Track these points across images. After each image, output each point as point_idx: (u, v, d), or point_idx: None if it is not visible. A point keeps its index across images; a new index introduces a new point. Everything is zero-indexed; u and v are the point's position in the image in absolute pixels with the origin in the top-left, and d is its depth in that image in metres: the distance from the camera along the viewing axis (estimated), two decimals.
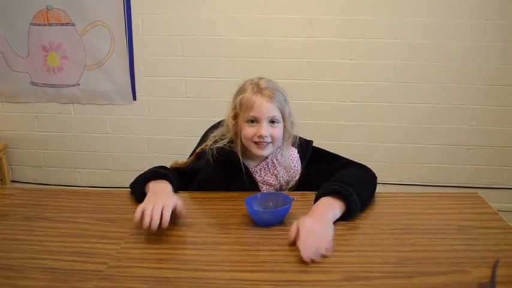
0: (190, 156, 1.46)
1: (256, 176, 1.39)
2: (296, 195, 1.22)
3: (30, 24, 2.68)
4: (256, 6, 2.56)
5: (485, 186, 2.74)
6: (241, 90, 1.34)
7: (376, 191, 1.30)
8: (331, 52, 2.60)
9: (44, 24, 2.67)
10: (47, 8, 2.64)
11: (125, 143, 2.89)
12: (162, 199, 1.11)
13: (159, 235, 1.09)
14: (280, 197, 1.20)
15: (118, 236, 1.08)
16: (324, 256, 0.97)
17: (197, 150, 1.43)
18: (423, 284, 0.88)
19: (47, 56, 2.74)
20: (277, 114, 1.31)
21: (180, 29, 2.64)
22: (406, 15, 2.50)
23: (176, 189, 1.28)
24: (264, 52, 2.63)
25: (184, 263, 0.97)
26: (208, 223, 1.18)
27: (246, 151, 1.36)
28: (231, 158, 1.35)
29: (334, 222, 1.11)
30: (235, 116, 1.34)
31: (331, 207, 1.14)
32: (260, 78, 1.35)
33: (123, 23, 2.64)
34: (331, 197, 1.16)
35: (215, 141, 1.37)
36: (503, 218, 1.15)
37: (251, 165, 1.39)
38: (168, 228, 1.10)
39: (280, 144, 1.37)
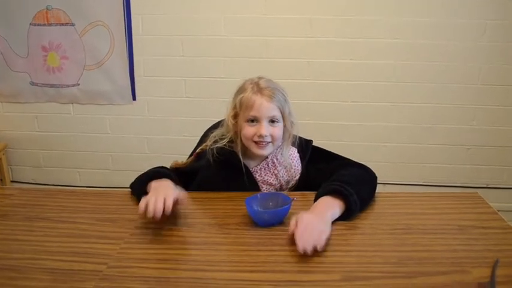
0: (190, 156, 1.46)
1: (257, 176, 1.39)
2: (296, 195, 1.22)
3: (30, 24, 2.68)
4: (256, 6, 2.56)
5: (485, 186, 2.74)
6: (241, 90, 1.34)
7: (377, 191, 1.30)
8: (331, 52, 2.60)
9: (44, 24, 2.67)
10: (47, 8, 2.64)
11: (125, 143, 2.89)
12: (164, 191, 1.13)
13: (159, 235, 1.10)
14: (280, 197, 1.20)
15: (118, 236, 1.08)
16: (317, 251, 0.97)
17: (197, 151, 1.43)
18: (423, 284, 0.88)
19: (46, 56, 2.74)
20: (277, 113, 1.31)
21: (180, 29, 2.64)
22: (406, 15, 2.50)
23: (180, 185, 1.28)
24: (264, 52, 2.63)
25: (184, 263, 0.97)
26: (208, 223, 1.18)
27: (246, 151, 1.36)
28: (231, 157, 1.35)
29: (334, 222, 1.11)
30: (235, 116, 1.35)
31: (330, 206, 1.14)
32: (260, 78, 1.35)
33: (123, 23, 2.64)
34: (331, 197, 1.16)
35: (215, 141, 1.37)
36: (503, 217, 1.15)
37: (251, 164, 1.39)
38: (168, 229, 1.10)
39: (280, 143, 1.37)
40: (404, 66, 2.59)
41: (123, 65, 2.72)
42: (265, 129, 1.29)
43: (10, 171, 2.99)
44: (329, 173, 1.30)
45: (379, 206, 1.25)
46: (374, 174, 1.32)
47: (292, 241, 1.02)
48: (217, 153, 1.34)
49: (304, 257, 0.98)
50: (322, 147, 1.46)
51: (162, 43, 2.67)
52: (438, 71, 2.58)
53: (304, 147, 1.42)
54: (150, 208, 1.07)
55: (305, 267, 0.95)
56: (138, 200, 1.27)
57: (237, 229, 1.12)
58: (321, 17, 2.55)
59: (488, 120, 2.64)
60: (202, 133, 1.54)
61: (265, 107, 1.29)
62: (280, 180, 1.40)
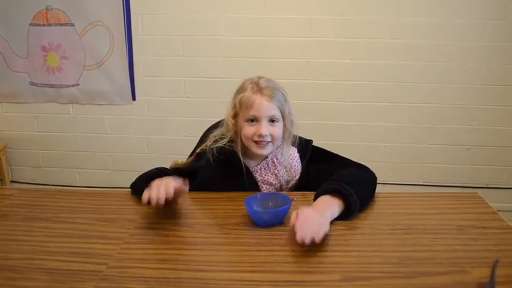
0: (190, 156, 1.46)
1: (257, 176, 1.39)
2: (296, 195, 1.22)
3: (30, 24, 2.68)
4: (255, 7, 2.56)
5: (485, 186, 2.74)
6: (241, 89, 1.34)
7: (376, 191, 1.30)
8: (331, 52, 2.60)
9: (44, 25, 2.67)
10: (47, 8, 2.64)
11: (125, 143, 2.89)
12: (165, 182, 1.15)
13: (159, 235, 1.10)
14: (280, 197, 1.20)
15: (117, 236, 1.08)
16: (314, 243, 0.98)
17: (197, 151, 1.43)
18: (423, 284, 0.88)
19: (46, 56, 2.73)
20: (277, 113, 1.31)
21: (180, 29, 2.64)
22: (406, 15, 2.50)
23: None
24: (263, 52, 2.62)
25: (184, 264, 0.97)
26: (208, 223, 1.18)
27: (246, 150, 1.36)
28: (231, 157, 1.35)
29: (333, 222, 1.11)
30: (235, 115, 1.35)
31: (330, 205, 1.14)
32: (260, 78, 1.35)
33: (123, 23, 2.63)
34: (331, 196, 1.16)
35: (215, 141, 1.37)
36: (503, 217, 1.15)
37: (251, 164, 1.39)
38: (168, 229, 1.11)
39: (280, 143, 1.37)
40: (404, 66, 2.59)
41: (123, 65, 2.71)
42: (265, 128, 1.29)
43: (10, 172, 2.99)
44: (329, 173, 1.30)
45: (379, 206, 1.25)
46: (374, 174, 1.32)
47: (292, 240, 1.02)
48: (217, 152, 1.35)
49: (304, 257, 0.98)
50: (322, 147, 1.46)
51: (162, 43, 2.67)
52: (438, 71, 2.58)
53: (304, 147, 1.42)
54: (153, 195, 1.09)
55: (305, 268, 0.95)
56: (139, 199, 1.28)
57: (237, 229, 1.12)
58: (320, 17, 2.55)
59: (488, 120, 2.64)
60: (202, 133, 1.55)
61: (265, 106, 1.29)
62: (280, 180, 1.40)
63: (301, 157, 1.42)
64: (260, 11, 2.56)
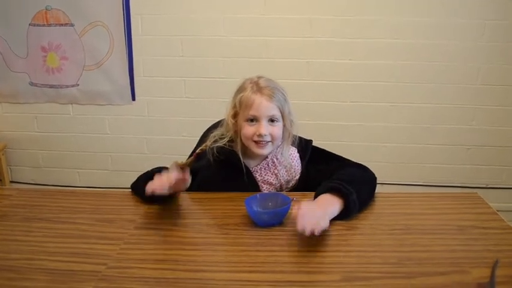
0: (190, 156, 1.46)
1: (257, 175, 1.39)
2: (296, 196, 1.22)
3: (30, 24, 2.68)
4: (255, 7, 2.56)
5: (485, 186, 2.74)
6: (241, 89, 1.34)
7: (376, 191, 1.30)
8: (331, 52, 2.60)
9: (43, 25, 2.67)
10: (46, 9, 2.64)
11: (124, 144, 2.89)
12: (166, 173, 1.16)
13: (158, 236, 1.10)
14: (280, 198, 1.20)
15: (117, 236, 1.08)
16: (314, 235, 0.98)
17: (197, 151, 1.43)
18: (423, 284, 0.87)
19: (46, 56, 2.73)
20: (276, 113, 1.31)
21: (180, 29, 2.64)
22: (405, 15, 2.50)
23: None
24: (263, 52, 2.62)
25: (183, 264, 0.97)
26: (207, 224, 1.18)
27: (246, 150, 1.36)
28: (231, 157, 1.35)
29: (333, 222, 1.11)
30: (235, 115, 1.35)
31: (330, 203, 1.14)
32: (260, 77, 1.35)
33: (122, 23, 2.63)
34: (331, 194, 1.16)
35: (215, 141, 1.37)
36: (503, 218, 1.15)
37: (251, 164, 1.39)
38: (167, 229, 1.11)
39: (279, 143, 1.37)
40: (403, 66, 2.59)
41: (123, 65, 2.71)
42: (265, 128, 1.29)
43: (9, 172, 2.99)
44: (329, 173, 1.30)
45: (379, 206, 1.25)
46: (374, 175, 1.32)
47: (292, 241, 1.02)
48: (217, 152, 1.35)
49: (304, 257, 0.98)
50: (321, 147, 1.46)
51: (162, 43, 2.67)
52: (438, 71, 2.58)
53: (304, 147, 1.42)
54: (156, 184, 1.11)
55: (305, 268, 0.95)
56: (140, 198, 1.28)
57: (237, 229, 1.11)
58: (320, 17, 2.55)
59: (488, 120, 2.64)
60: (201, 133, 1.54)
61: (265, 106, 1.29)
62: (280, 179, 1.40)
63: (301, 157, 1.42)
64: (260, 11, 2.56)
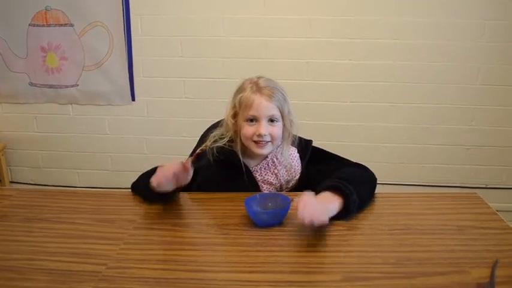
0: (189, 156, 1.46)
1: (257, 175, 1.39)
2: (296, 196, 1.22)
3: (29, 25, 2.68)
4: (255, 7, 2.56)
5: (485, 186, 2.74)
6: (240, 89, 1.35)
7: (376, 191, 1.30)
8: (330, 52, 2.60)
9: (43, 25, 2.67)
10: (46, 9, 2.64)
11: (124, 144, 2.89)
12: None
13: (158, 236, 1.10)
14: (280, 198, 1.20)
15: (117, 236, 1.08)
16: (313, 226, 1.00)
17: (197, 151, 1.43)
18: (422, 284, 0.88)
19: (45, 56, 2.73)
20: (276, 113, 1.31)
21: (179, 29, 2.64)
22: (405, 15, 2.50)
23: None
24: (263, 52, 2.62)
25: (183, 264, 0.97)
26: (207, 224, 1.18)
27: (245, 150, 1.36)
28: (231, 157, 1.35)
29: (332, 222, 1.11)
30: (235, 115, 1.35)
31: (330, 201, 1.14)
32: (259, 77, 1.36)
33: (122, 23, 2.63)
34: (331, 193, 1.16)
35: (215, 141, 1.38)
36: (503, 218, 1.15)
37: (251, 164, 1.39)
38: (167, 229, 1.11)
39: (279, 143, 1.37)
40: (403, 66, 2.59)
41: (122, 66, 2.71)
42: (265, 128, 1.29)
43: (9, 172, 2.99)
44: (329, 173, 1.30)
45: (379, 207, 1.25)
46: (374, 175, 1.33)
47: (292, 241, 1.02)
48: (217, 152, 1.35)
49: (304, 257, 0.99)
50: (321, 147, 1.46)
51: (161, 43, 2.67)
52: (437, 71, 2.58)
53: (304, 147, 1.42)
54: (160, 173, 1.12)
55: (305, 268, 0.95)
56: (142, 196, 1.28)
57: (236, 230, 1.11)
58: (320, 18, 2.55)
59: (488, 121, 2.64)
60: (201, 133, 1.54)
61: (264, 106, 1.29)
62: (280, 179, 1.40)
63: (301, 157, 1.42)
64: (259, 12, 2.56)
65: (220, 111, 1.41)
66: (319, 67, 2.63)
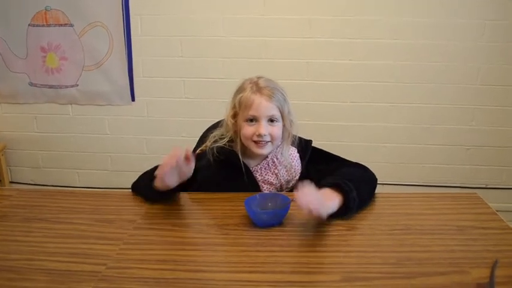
0: None
1: (257, 175, 1.39)
2: (295, 196, 1.22)
3: (29, 25, 2.68)
4: (255, 7, 2.56)
5: (485, 186, 2.74)
6: (240, 89, 1.35)
7: (376, 191, 1.30)
8: (330, 52, 2.60)
9: (43, 25, 2.67)
10: (46, 9, 2.64)
11: (124, 144, 2.88)
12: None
13: (158, 236, 1.10)
14: (279, 198, 1.20)
15: (116, 237, 1.08)
16: (311, 213, 1.01)
17: (197, 151, 1.43)
18: (422, 284, 0.88)
19: (45, 56, 2.73)
20: (276, 113, 1.31)
21: (179, 29, 2.64)
22: (405, 15, 2.50)
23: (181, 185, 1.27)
24: (263, 53, 2.62)
25: (183, 264, 0.97)
26: (207, 224, 1.18)
27: (245, 150, 1.36)
28: (231, 157, 1.35)
29: (332, 222, 1.11)
30: (235, 115, 1.35)
31: (330, 197, 1.14)
32: (259, 77, 1.36)
33: (122, 23, 2.63)
34: (331, 190, 1.16)
35: (215, 141, 1.38)
36: (502, 218, 1.15)
37: (251, 164, 1.39)
38: (167, 229, 1.11)
39: (279, 143, 1.37)
40: (403, 66, 2.59)
41: (122, 66, 2.71)
42: (264, 128, 1.29)
43: (9, 172, 2.99)
44: (329, 173, 1.30)
45: (378, 207, 1.25)
46: (374, 175, 1.33)
47: (292, 241, 1.02)
48: (217, 152, 1.35)
49: (304, 257, 0.99)
50: (321, 148, 1.46)
51: (161, 44, 2.67)
52: (437, 71, 2.58)
53: (304, 147, 1.42)
54: (163, 163, 1.12)
55: (304, 268, 0.95)
56: (143, 195, 1.28)
57: (236, 230, 1.11)
58: (320, 18, 2.55)
59: (488, 121, 2.64)
60: (201, 134, 1.54)
61: (264, 106, 1.29)
62: (280, 179, 1.40)
63: (301, 157, 1.42)
64: (259, 12, 2.56)
65: (220, 111, 1.41)
66: (319, 67, 2.63)
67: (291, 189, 1.41)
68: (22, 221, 1.18)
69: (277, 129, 1.32)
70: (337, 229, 1.10)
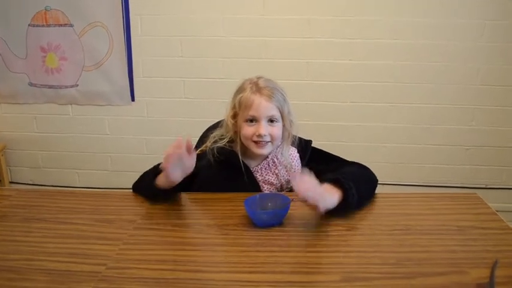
0: None
1: (257, 176, 1.39)
2: (296, 196, 1.22)
3: (29, 25, 2.67)
4: (254, 7, 2.56)
5: (484, 186, 2.74)
6: (240, 90, 1.35)
7: (376, 191, 1.30)
8: (330, 53, 2.60)
9: (43, 25, 2.67)
10: (46, 9, 2.64)
11: (124, 144, 2.88)
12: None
13: (158, 236, 1.10)
14: (279, 198, 1.20)
15: (116, 237, 1.08)
16: (305, 202, 1.03)
17: (197, 152, 1.43)
18: (422, 284, 0.88)
19: (45, 57, 2.73)
20: (276, 113, 1.31)
21: (179, 29, 2.64)
22: (405, 15, 2.50)
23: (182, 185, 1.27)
24: (262, 53, 2.62)
25: (183, 264, 0.97)
26: (207, 224, 1.17)
27: (246, 150, 1.36)
28: (231, 157, 1.35)
29: (332, 222, 1.11)
30: (235, 116, 1.35)
31: (329, 192, 1.14)
32: (259, 78, 1.36)
33: (122, 23, 2.63)
34: (331, 185, 1.16)
35: (215, 142, 1.38)
36: (502, 218, 1.15)
37: (252, 164, 1.39)
38: (167, 230, 1.11)
39: (279, 143, 1.37)
40: (403, 66, 2.59)
41: (122, 66, 2.71)
42: (264, 128, 1.29)
43: (9, 172, 2.99)
44: (329, 173, 1.30)
45: (378, 207, 1.25)
46: (374, 175, 1.33)
47: (291, 241, 1.02)
48: (217, 153, 1.35)
49: (304, 257, 0.99)
50: (321, 148, 1.46)
51: (161, 44, 2.67)
52: (437, 71, 2.58)
53: (304, 147, 1.43)
54: (168, 156, 1.15)
55: (304, 268, 0.95)
56: (144, 194, 1.29)
57: (236, 230, 1.11)
58: (319, 18, 2.55)
59: (487, 121, 2.65)
60: (200, 134, 1.54)
61: (264, 106, 1.29)
62: (280, 179, 1.40)
63: (301, 157, 1.42)
64: (259, 12, 2.56)
65: (220, 111, 1.41)
66: (319, 67, 2.63)
67: (292, 189, 1.41)
68: (22, 221, 1.18)
69: (277, 129, 1.32)
70: (337, 229, 1.10)
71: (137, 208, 1.26)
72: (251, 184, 1.36)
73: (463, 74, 2.57)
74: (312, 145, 1.46)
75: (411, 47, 2.55)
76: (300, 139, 1.42)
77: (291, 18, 2.56)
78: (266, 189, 1.39)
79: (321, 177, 1.24)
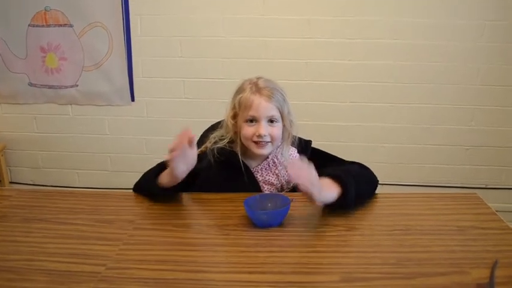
0: None
1: (258, 176, 1.39)
2: (295, 196, 1.22)
3: (29, 25, 2.67)
4: (254, 7, 2.56)
5: (484, 186, 2.74)
6: (240, 90, 1.35)
7: (375, 191, 1.30)
8: (330, 53, 2.60)
9: (42, 25, 2.67)
10: (45, 9, 2.64)
11: (124, 144, 2.88)
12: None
13: (157, 237, 1.10)
14: (279, 198, 1.20)
15: (116, 237, 1.08)
16: (296, 188, 1.05)
17: (197, 152, 1.43)
18: (422, 285, 0.87)
19: (45, 57, 2.73)
20: (275, 113, 1.31)
21: (179, 29, 2.64)
22: (405, 15, 2.50)
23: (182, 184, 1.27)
24: (262, 53, 2.62)
25: (183, 265, 0.97)
26: (206, 224, 1.18)
27: (246, 151, 1.36)
28: (231, 158, 1.35)
29: (331, 222, 1.11)
30: (235, 116, 1.35)
31: (328, 187, 1.14)
32: (259, 78, 1.36)
33: (122, 24, 2.63)
34: (330, 180, 1.16)
35: (215, 142, 1.38)
36: (502, 218, 1.15)
37: (252, 164, 1.40)
38: (166, 230, 1.11)
39: (279, 143, 1.37)
40: (403, 66, 2.59)
41: (122, 66, 2.71)
42: (264, 129, 1.29)
43: (9, 172, 2.99)
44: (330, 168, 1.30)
45: (378, 207, 1.25)
46: (374, 175, 1.33)
47: (291, 242, 1.02)
48: (217, 153, 1.35)
49: (303, 258, 0.99)
50: (321, 148, 1.46)
51: (161, 44, 2.67)
52: (437, 71, 2.58)
53: (304, 147, 1.43)
54: (177, 141, 1.13)
55: (304, 269, 0.95)
56: (146, 192, 1.29)
57: (236, 230, 1.11)
58: (319, 18, 2.55)
59: (487, 121, 2.65)
60: (200, 134, 1.54)
61: (264, 106, 1.29)
62: (281, 179, 1.40)
63: None
64: (259, 12, 2.57)
65: (220, 111, 1.41)
66: (318, 67, 2.63)
67: (292, 189, 1.42)
68: (22, 221, 1.17)
69: (277, 129, 1.32)
70: (337, 229, 1.10)
71: (137, 208, 1.26)
72: (251, 184, 1.36)
73: (463, 74, 2.57)
74: (312, 145, 1.46)
75: (411, 47, 2.55)
76: (300, 139, 1.42)
77: (290, 18, 2.56)
78: (266, 189, 1.39)
79: (321, 171, 1.25)
